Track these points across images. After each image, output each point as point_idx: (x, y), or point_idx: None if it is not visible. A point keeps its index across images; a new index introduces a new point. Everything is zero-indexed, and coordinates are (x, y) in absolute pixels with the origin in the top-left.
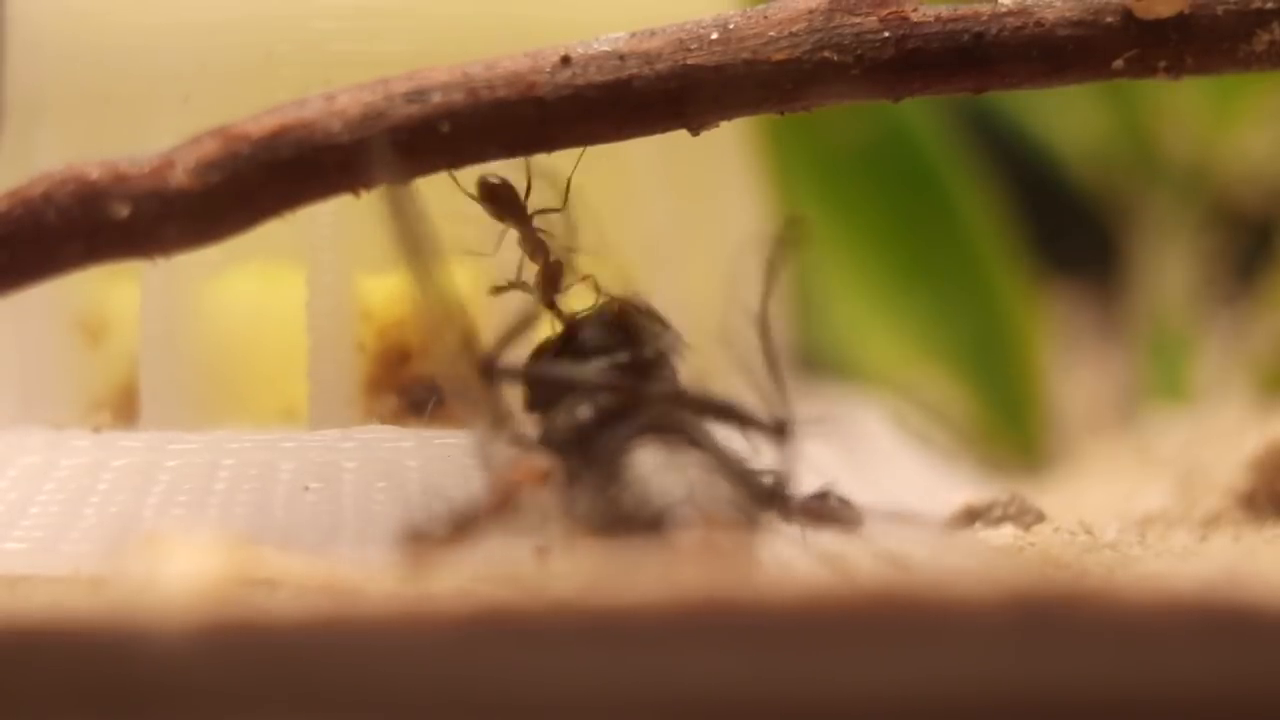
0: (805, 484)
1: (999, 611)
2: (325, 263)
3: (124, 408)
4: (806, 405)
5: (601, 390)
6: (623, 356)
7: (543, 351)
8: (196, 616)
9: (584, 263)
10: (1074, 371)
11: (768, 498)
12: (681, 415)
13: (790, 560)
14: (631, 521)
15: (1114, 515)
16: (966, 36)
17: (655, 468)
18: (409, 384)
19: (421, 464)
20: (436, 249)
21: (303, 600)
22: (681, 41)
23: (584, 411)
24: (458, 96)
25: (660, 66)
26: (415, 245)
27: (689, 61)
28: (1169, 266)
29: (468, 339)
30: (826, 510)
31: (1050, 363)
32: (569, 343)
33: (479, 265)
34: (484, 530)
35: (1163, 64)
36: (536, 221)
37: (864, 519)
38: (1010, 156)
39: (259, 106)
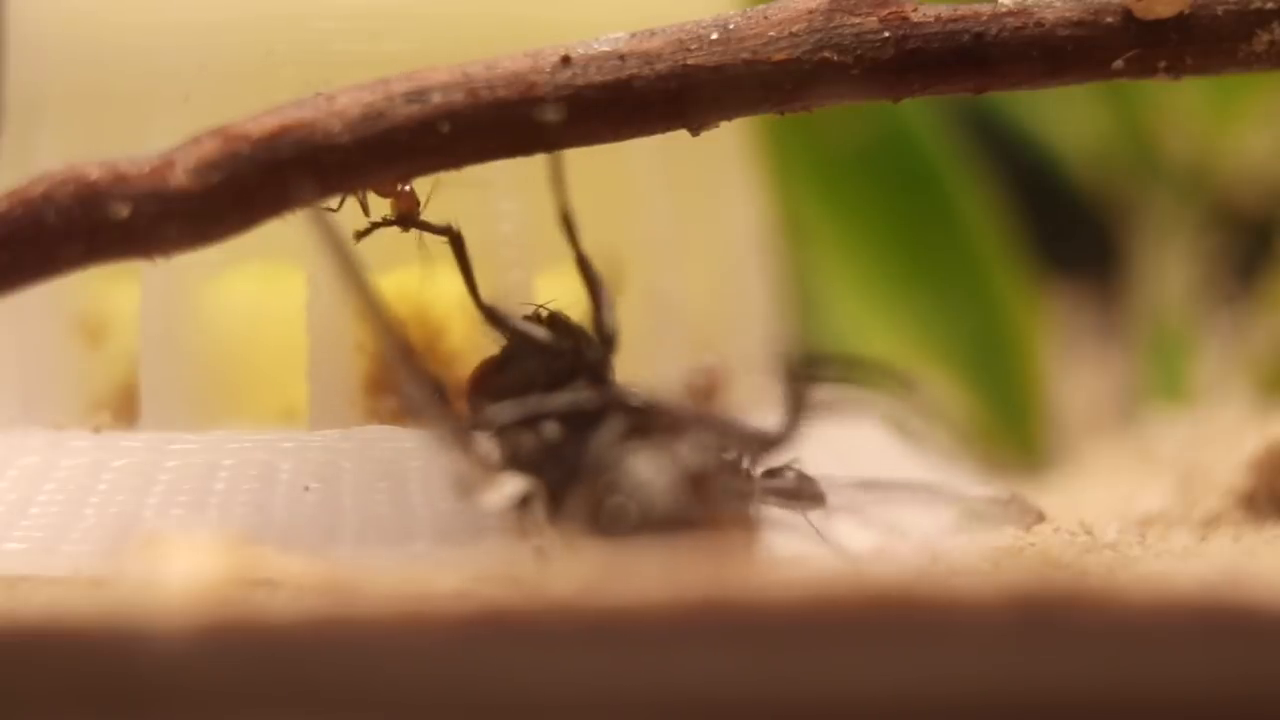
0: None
1: (999, 611)
2: (325, 263)
3: (124, 408)
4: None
5: (569, 411)
6: (565, 362)
7: (486, 369)
8: (196, 616)
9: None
10: (1074, 371)
11: (738, 478)
12: (650, 414)
13: (786, 547)
14: (634, 526)
15: (1114, 515)
16: (966, 36)
17: (651, 472)
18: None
19: (421, 464)
20: (364, 266)
21: (303, 600)
22: (681, 41)
23: (551, 430)
24: (458, 96)
25: (660, 66)
26: (345, 265)
27: (689, 61)
28: (1169, 266)
29: (409, 352)
30: (788, 486)
31: (1050, 363)
32: (511, 359)
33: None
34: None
35: (1163, 64)
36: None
37: (825, 494)
38: (1010, 156)
39: (259, 106)
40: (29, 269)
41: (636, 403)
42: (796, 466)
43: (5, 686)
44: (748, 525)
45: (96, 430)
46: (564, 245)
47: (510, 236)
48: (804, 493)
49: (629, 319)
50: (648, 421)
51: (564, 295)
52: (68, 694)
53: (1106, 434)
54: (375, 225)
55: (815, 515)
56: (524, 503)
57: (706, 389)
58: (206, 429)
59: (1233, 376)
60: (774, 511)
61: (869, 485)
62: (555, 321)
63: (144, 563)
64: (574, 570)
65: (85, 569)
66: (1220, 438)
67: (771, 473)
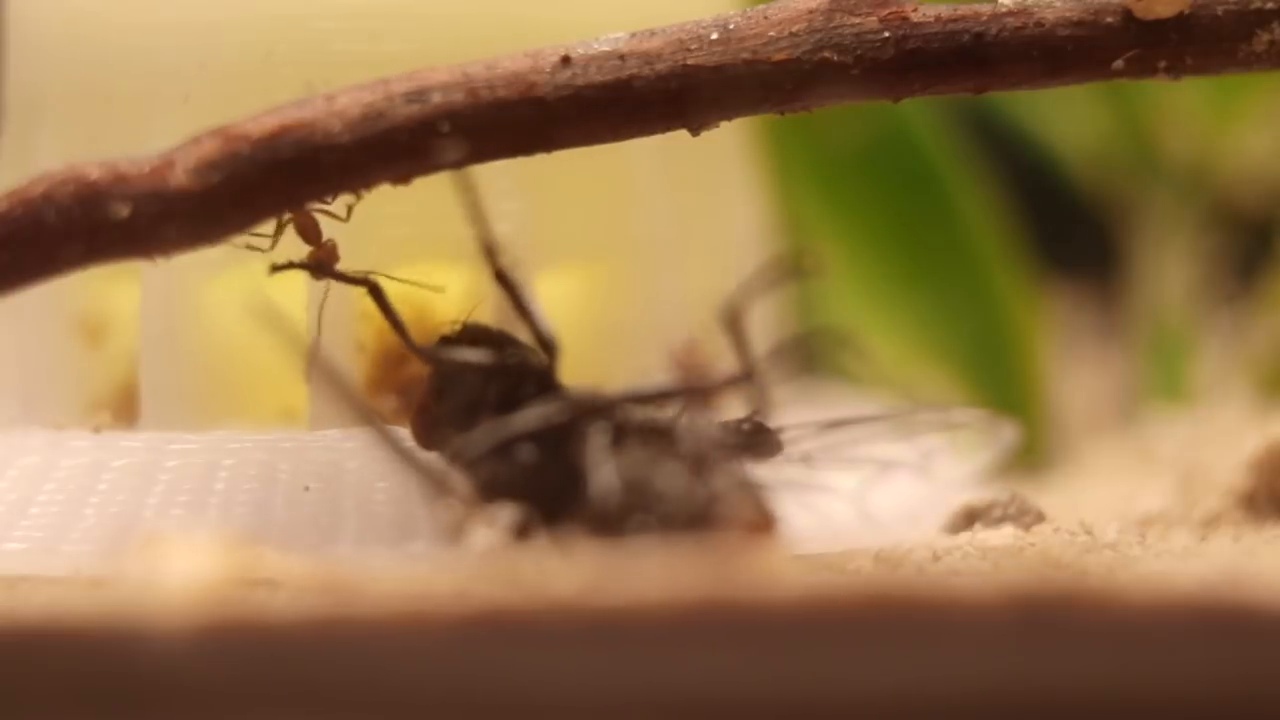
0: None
1: (999, 611)
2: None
3: (124, 408)
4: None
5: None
6: (511, 376)
7: (423, 404)
8: (196, 617)
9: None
10: (1074, 371)
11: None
12: (625, 413)
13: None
14: (659, 533)
15: (1114, 515)
16: (966, 36)
17: (667, 479)
18: (409, 384)
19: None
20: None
21: (303, 600)
22: (681, 41)
23: (525, 453)
24: (458, 96)
25: (660, 66)
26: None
27: (689, 61)
28: (1169, 266)
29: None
30: (746, 437)
31: (1050, 363)
32: (443, 386)
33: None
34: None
35: (1163, 64)
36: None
37: (783, 445)
38: (1010, 156)
39: (259, 106)
40: (29, 269)
41: (605, 404)
42: (754, 417)
43: (5, 686)
44: (766, 515)
45: (96, 430)
46: (565, 245)
47: (510, 237)
48: (760, 442)
49: (629, 319)
50: (626, 421)
51: (566, 296)
52: (68, 694)
53: (1106, 434)
54: (290, 266)
55: (796, 466)
56: (522, 531)
57: (691, 364)
58: (206, 429)
59: (1233, 376)
60: (763, 474)
61: (838, 424)
62: (492, 338)
63: (144, 563)
64: (574, 570)
65: (85, 569)
66: (1220, 438)
67: (728, 424)
